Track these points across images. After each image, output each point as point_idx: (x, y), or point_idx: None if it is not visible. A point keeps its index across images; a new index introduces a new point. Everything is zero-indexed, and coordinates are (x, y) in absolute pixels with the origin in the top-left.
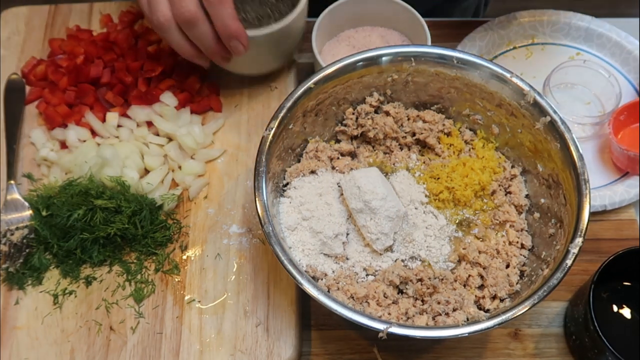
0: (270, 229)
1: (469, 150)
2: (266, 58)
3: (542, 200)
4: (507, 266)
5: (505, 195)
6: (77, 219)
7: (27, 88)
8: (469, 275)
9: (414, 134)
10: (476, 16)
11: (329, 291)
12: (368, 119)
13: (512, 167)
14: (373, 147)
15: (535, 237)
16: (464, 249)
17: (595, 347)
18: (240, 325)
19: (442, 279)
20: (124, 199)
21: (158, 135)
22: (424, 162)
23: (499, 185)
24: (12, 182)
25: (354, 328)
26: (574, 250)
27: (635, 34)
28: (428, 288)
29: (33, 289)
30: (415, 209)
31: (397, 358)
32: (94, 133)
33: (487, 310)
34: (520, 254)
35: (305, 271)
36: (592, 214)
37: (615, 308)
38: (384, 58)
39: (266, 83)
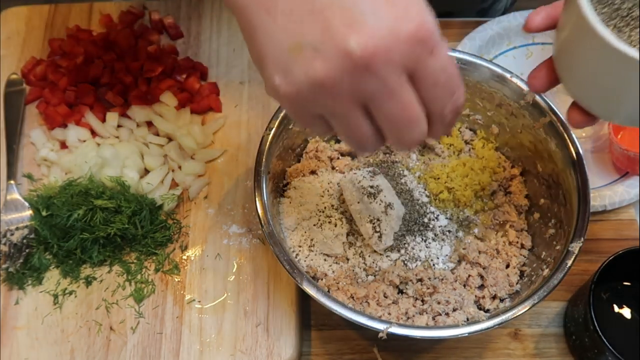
0: (270, 229)
1: (469, 150)
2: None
3: (542, 200)
4: (507, 266)
5: (505, 195)
6: (77, 219)
7: (27, 88)
8: (469, 275)
9: None
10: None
11: (329, 291)
12: None
13: (512, 167)
14: None
15: (535, 237)
16: (464, 249)
17: (595, 347)
18: (240, 325)
19: (442, 279)
20: (124, 199)
21: (158, 135)
22: (424, 162)
23: (499, 186)
24: (12, 182)
25: (354, 328)
26: (574, 250)
27: None
28: (428, 288)
29: (33, 289)
30: (415, 209)
31: (397, 358)
32: (94, 133)
33: (487, 310)
34: (520, 254)
35: (306, 271)
36: (592, 214)
37: (615, 308)
38: None
39: None
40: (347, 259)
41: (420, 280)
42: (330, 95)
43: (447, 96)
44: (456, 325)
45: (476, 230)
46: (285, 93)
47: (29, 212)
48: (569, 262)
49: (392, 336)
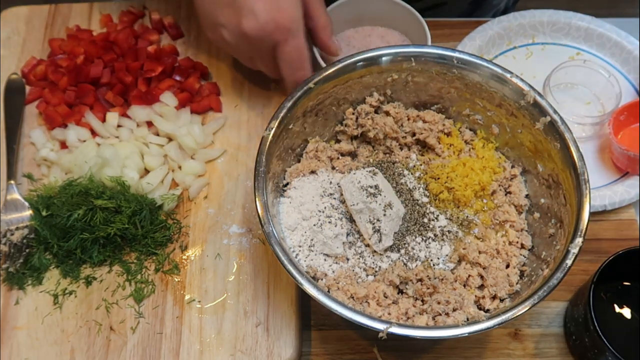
0: (270, 229)
1: (469, 150)
2: None
3: (542, 200)
4: (507, 266)
5: (505, 195)
6: (77, 219)
7: (27, 88)
8: (469, 275)
9: (414, 134)
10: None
11: (329, 291)
12: (368, 119)
13: (512, 167)
14: (373, 147)
15: (535, 237)
16: (464, 249)
17: (595, 347)
18: (240, 325)
19: (442, 279)
20: (124, 199)
21: (158, 135)
22: (424, 162)
23: (499, 185)
24: (12, 182)
25: (354, 328)
26: (574, 250)
27: (635, 34)
28: (428, 288)
29: (33, 289)
30: (415, 209)
31: (397, 358)
32: (94, 133)
33: (487, 310)
34: (520, 254)
35: (306, 271)
36: (592, 214)
37: (615, 308)
38: (384, 58)
39: (266, 83)
40: (347, 259)
41: (420, 280)
42: (236, 51)
43: (296, 70)
44: (456, 325)
45: (476, 230)
46: (215, 41)
47: (29, 212)
48: (569, 262)
49: (392, 336)
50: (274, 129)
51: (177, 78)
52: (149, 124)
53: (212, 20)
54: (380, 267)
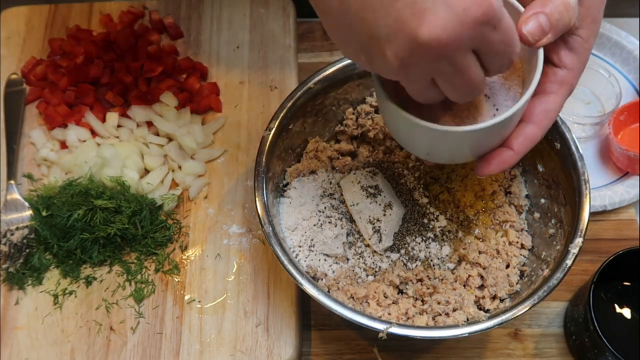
0: (270, 229)
1: None
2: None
3: (542, 200)
4: (507, 266)
5: (505, 195)
6: (77, 219)
7: (27, 88)
8: (469, 276)
9: None
10: None
11: (329, 291)
12: (368, 119)
13: (512, 167)
14: (373, 147)
15: (535, 237)
16: (464, 249)
17: (595, 347)
18: (240, 325)
19: (442, 279)
20: (124, 199)
21: (158, 135)
22: (423, 162)
23: (499, 186)
24: (12, 182)
25: (354, 328)
26: (574, 250)
27: (635, 34)
28: (428, 288)
29: (33, 289)
30: (415, 209)
31: (397, 358)
32: (94, 133)
33: (487, 311)
34: (520, 254)
35: (306, 271)
36: (592, 214)
37: (615, 308)
38: None
39: (266, 83)
40: (347, 259)
41: (420, 280)
42: (405, 75)
43: (506, 61)
44: (456, 325)
45: (476, 231)
46: (366, 69)
47: (29, 212)
48: (569, 262)
49: (392, 336)
50: (274, 129)
51: (177, 78)
52: (149, 124)
53: (366, 33)
54: (380, 267)
